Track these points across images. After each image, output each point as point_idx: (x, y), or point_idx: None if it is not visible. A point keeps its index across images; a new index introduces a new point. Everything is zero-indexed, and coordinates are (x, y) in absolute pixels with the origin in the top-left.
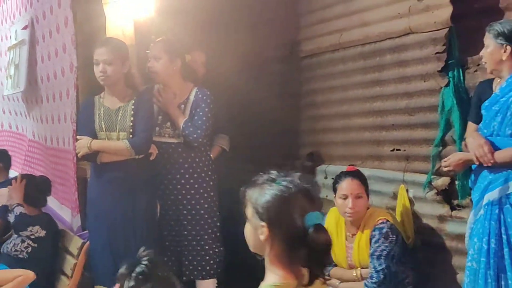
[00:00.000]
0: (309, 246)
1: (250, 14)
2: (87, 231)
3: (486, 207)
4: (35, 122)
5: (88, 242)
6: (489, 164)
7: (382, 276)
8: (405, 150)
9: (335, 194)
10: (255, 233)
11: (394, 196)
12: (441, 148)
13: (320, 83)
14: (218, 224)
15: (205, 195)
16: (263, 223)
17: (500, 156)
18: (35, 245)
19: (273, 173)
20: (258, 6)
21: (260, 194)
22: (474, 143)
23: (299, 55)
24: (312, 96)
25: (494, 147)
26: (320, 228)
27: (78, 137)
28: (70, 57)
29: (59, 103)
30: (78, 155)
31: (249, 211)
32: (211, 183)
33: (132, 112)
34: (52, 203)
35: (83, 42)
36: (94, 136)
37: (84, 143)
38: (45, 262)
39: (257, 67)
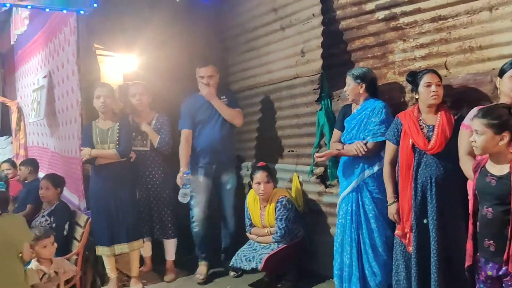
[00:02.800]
0: None
1: None
2: (89, 210)
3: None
4: (55, 139)
5: (90, 218)
6: (357, 153)
7: (283, 232)
8: (296, 151)
9: (252, 181)
10: None
11: (290, 181)
12: (318, 149)
13: (243, 109)
14: (173, 202)
15: (166, 183)
16: None
17: (348, 148)
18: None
19: None
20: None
21: None
22: (350, 147)
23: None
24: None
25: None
26: None
27: (82, 148)
28: (76, 96)
29: (70, 126)
30: (83, 160)
31: None
32: (169, 175)
33: (118, 130)
34: (67, 193)
35: (84, 87)
36: (93, 147)
37: (86, 152)
38: (60, 231)
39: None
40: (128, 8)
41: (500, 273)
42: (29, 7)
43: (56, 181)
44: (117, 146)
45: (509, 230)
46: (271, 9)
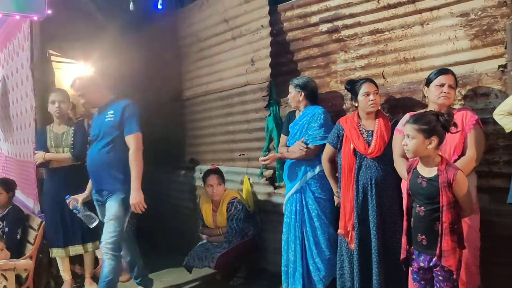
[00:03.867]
0: None
1: (157, 74)
2: (43, 214)
3: (295, 190)
4: (9, 144)
5: (44, 221)
6: (304, 153)
7: (234, 231)
8: (247, 155)
9: (204, 184)
10: None
11: (241, 183)
12: (267, 153)
13: (196, 115)
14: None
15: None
16: None
17: (291, 150)
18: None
19: None
20: (160, 71)
21: None
22: (295, 148)
23: (183, 98)
24: (191, 123)
25: None
26: None
27: (36, 152)
28: (31, 101)
29: (24, 131)
30: (36, 163)
31: None
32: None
33: (72, 135)
34: (22, 196)
35: (38, 92)
36: (47, 151)
37: (40, 156)
38: (13, 235)
39: (160, 105)
40: (82, 16)
41: (431, 264)
42: None
43: (8, 185)
44: (72, 150)
45: (439, 226)
46: (223, 20)
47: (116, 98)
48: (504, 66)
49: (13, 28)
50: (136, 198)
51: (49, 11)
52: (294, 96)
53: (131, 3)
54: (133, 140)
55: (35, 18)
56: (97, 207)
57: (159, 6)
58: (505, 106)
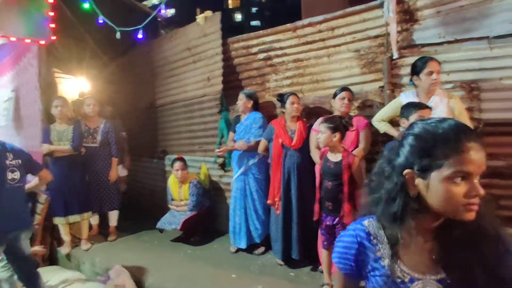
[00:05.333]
0: None
1: (137, 88)
2: (48, 191)
3: (241, 172)
4: (21, 138)
5: (49, 197)
6: (243, 148)
7: (194, 203)
8: (204, 147)
9: (172, 168)
10: None
11: (199, 168)
12: (219, 145)
13: (166, 118)
14: (117, 182)
15: (109, 168)
16: None
17: (237, 144)
18: None
19: None
20: (139, 85)
21: None
22: (239, 144)
23: (155, 106)
24: (162, 124)
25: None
26: None
27: (43, 144)
28: (38, 105)
29: (33, 128)
30: (43, 153)
31: None
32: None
33: (72, 131)
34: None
35: (44, 98)
36: (51, 144)
37: (46, 147)
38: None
39: (139, 110)
40: (79, 42)
41: (334, 222)
42: None
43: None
44: (72, 143)
45: (342, 196)
46: (186, 48)
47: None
48: (382, 87)
49: (23, 49)
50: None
51: (54, 37)
52: (244, 102)
53: (118, 33)
54: None
55: (42, 42)
56: None
57: (140, 36)
58: (379, 115)
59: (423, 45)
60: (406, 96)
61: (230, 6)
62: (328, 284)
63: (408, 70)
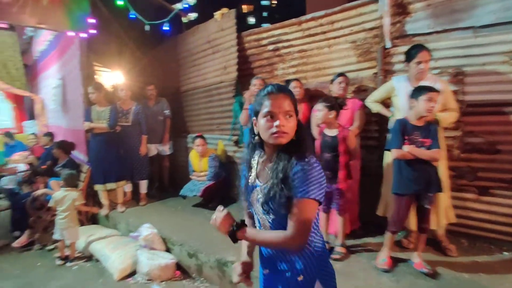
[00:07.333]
0: None
1: (165, 77)
2: (89, 162)
3: None
4: (66, 119)
5: (90, 167)
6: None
7: (212, 174)
8: (221, 127)
9: (193, 144)
10: None
11: (217, 144)
12: (234, 125)
13: (189, 102)
14: (146, 155)
15: (139, 144)
16: None
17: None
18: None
19: None
20: (166, 74)
21: None
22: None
23: (180, 92)
24: (186, 107)
25: None
26: None
27: (84, 122)
28: (80, 91)
29: (77, 110)
30: (85, 130)
31: None
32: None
33: (109, 112)
34: (76, 153)
35: (85, 86)
36: (91, 122)
37: (87, 125)
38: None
39: (166, 96)
40: (115, 38)
41: (331, 189)
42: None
43: (65, 145)
44: (108, 122)
45: (339, 165)
46: (206, 41)
47: None
48: (376, 73)
49: (68, 42)
50: None
51: (93, 31)
52: (259, 86)
53: (147, 26)
54: None
55: (83, 35)
56: None
57: (166, 28)
58: (372, 97)
59: (414, 35)
60: (397, 80)
61: (244, 11)
62: (326, 242)
63: (400, 58)
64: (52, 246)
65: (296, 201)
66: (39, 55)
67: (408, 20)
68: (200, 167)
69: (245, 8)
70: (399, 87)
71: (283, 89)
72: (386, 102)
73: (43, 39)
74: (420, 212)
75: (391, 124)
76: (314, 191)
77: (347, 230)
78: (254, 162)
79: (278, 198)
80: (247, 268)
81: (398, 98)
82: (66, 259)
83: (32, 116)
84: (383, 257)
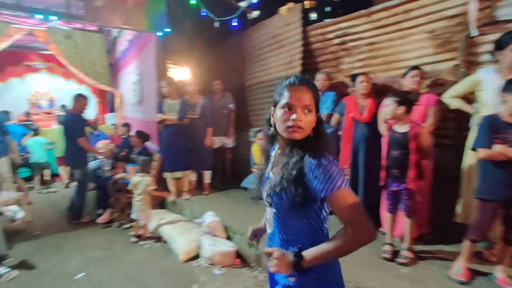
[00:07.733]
0: None
1: (231, 72)
2: (160, 151)
3: None
4: (141, 112)
5: (161, 156)
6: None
7: None
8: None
9: (256, 138)
10: None
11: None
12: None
13: (253, 96)
14: (210, 147)
15: (205, 136)
16: None
17: None
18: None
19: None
20: (233, 69)
21: None
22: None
23: (245, 86)
24: (250, 102)
25: None
26: None
27: (157, 115)
28: (155, 86)
29: (151, 103)
30: (157, 121)
31: None
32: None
33: (179, 105)
34: (149, 144)
35: (159, 80)
36: (164, 114)
37: (160, 116)
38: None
39: (232, 91)
40: (185, 36)
41: (399, 188)
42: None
43: (141, 135)
44: (178, 114)
45: (408, 163)
46: (272, 36)
47: None
48: (457, 65)
49: (145, 40)
50: None
51: (169, 29)
52: (324, 80)
53: (216, 23)
54: None
55: (159, 34)
56: None
57: (234, 23)
58: (452, 91)
59: (507, 21)
60: (485, 72)
61: (307, 7)
62: (390, 244)
63: (487, 47)
64: (128, 225)
65: (331, 197)
66: (120, 54)
67: (500, 5)
68: (261, 160)
69: (307, 3)
70: (487, 80)
71: (306, 82)
72: (467, 97)
73: (124, 39)
74: (508, 221)
75: (473, 122)
76: (339, 182)
77: (415, 234)
78: (272, 153)
79: (287, 193)
80: (257, 233)
81: (485, 92)
82: (139, 237)
83: (112, 109)
84: (458, 267)
